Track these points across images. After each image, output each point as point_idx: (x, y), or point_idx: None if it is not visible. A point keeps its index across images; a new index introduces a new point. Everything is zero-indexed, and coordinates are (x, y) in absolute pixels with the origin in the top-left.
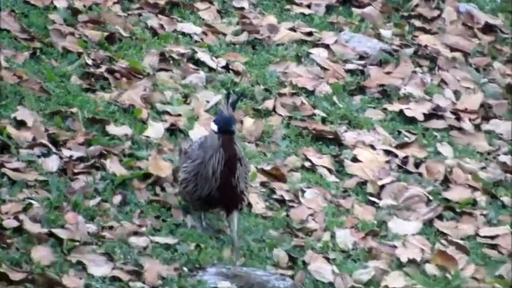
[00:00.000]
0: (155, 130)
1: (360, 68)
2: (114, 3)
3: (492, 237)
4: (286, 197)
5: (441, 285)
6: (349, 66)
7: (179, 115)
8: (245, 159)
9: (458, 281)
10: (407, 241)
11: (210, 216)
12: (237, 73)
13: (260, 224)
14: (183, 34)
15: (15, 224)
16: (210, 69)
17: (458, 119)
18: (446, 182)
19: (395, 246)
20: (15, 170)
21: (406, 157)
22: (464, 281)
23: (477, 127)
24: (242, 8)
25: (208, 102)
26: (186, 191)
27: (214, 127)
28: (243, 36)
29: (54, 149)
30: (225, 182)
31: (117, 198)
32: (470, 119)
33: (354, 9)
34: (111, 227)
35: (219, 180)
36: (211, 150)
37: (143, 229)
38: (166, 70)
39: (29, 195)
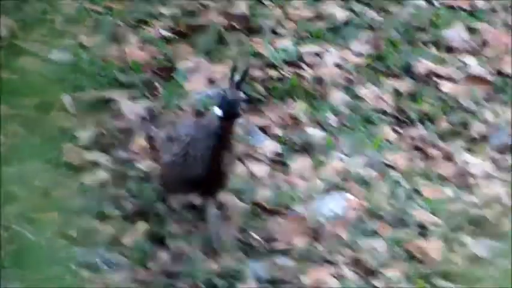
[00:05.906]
0: None
1: None
2: None
3: None
4: None
5: None
6: None
7: None
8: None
9: None
10: None
11: None
12: None
13: None
14: None
15: None
16: None
17: None
18: None
19: None
20: None
21: None
22: None
23: None
24: None
25: None
26: (173, 173)
27: (218, 112)
28: None
29: None
30: (212, 165)
31: None
32: None
33: None
34: None
35: (207, 161)
36: (204, 133)
37: None
38: None
39: None
